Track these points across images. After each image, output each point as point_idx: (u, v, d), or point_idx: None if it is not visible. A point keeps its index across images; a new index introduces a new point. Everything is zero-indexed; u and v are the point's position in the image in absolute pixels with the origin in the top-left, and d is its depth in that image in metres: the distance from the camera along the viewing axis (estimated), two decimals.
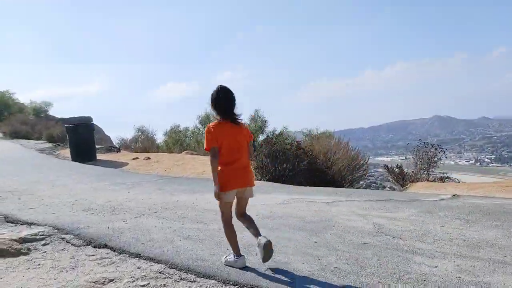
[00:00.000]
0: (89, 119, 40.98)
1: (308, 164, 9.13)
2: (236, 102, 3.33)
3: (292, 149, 9.11)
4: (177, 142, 17.94)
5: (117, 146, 15.32)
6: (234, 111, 3.32)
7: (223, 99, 3.27)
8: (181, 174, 9.97)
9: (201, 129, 18.62)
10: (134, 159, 12.62)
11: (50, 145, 17.56)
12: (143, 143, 17.79)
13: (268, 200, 6.16)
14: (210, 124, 3.34)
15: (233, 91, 3.33)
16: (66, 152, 14.56)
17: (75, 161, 12.70)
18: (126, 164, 11.99)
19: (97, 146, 14.32)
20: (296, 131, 22.50)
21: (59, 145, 16.92)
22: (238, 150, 3.33)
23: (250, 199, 3.48)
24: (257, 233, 3.26)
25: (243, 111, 3.44)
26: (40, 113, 49.04)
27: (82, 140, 12.81)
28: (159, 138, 32.02)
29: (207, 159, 12.16)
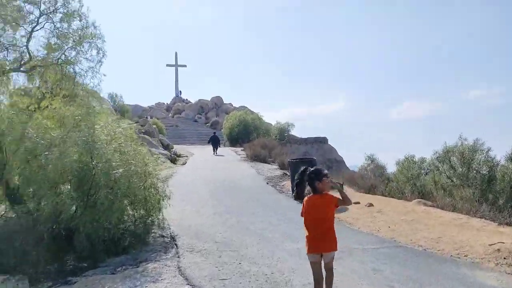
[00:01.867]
0: (324, 139, 41.24)
1: None
2: None
3: None
4: (409, 180, 15.51)
5: (341, 182, 13.97)
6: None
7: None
8: (409, 238, 7.78)
9: (440, 167, 15.64)
10: (354, 203, 10.98)
11: (280, 173, 17.69)
12: (369, 180, 15.96)
13: None
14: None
15: None
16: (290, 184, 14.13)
17: (295, 198, 11.95)
18: (344, 210, 10.46)
19: None
20: None
21: (286, 174, 16.80)
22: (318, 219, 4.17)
23: None
24: None
25: None
26: (283, 132, 53.19)
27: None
28: (390, 168, 29.65)
29: (445, 215, 9.52)
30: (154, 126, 32.88)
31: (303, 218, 4.36)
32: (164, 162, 23.10)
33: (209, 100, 74.09)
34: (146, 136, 27.60)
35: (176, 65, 78.51)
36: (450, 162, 17.53)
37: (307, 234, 4.21)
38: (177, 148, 37.36)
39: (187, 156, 30.09)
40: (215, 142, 31.30)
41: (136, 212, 7.81)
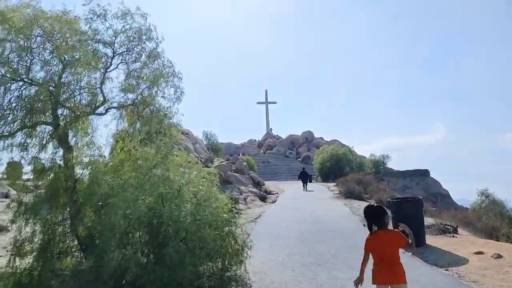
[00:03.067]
0: (425, 171, 37.58)
1: None
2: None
3: None
4: None
5: (453, 225, 11.72)
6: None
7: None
8: None
9: None
10: (476, 253, 8.85)
11: None
12: (489, 221, 13.33)
13: None
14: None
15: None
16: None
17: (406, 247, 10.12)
18: (465, 261, 8.42)
19: (426, 223, 11.28)
20: None
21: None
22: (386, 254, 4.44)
23: None
24: None
25: None
26: (379, 166, 50.02)
27: (406, 220, 10.12)
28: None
29: None
30: (245, 163, 32.61)
31: (364, 251, 4.68)
32: (253, 201, 22.32)
33: (300, 135, 73.39)
34: (236, 174, 27.27)
35: (267, 102, 79.66)
36: None
37: (375, 267, 4.51)
38: (268, 184, 36.67)
39: (277, 193, 29.10)
40: (304, 178, 30.77)
41: (214, 264, 6.81)
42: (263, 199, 23.17)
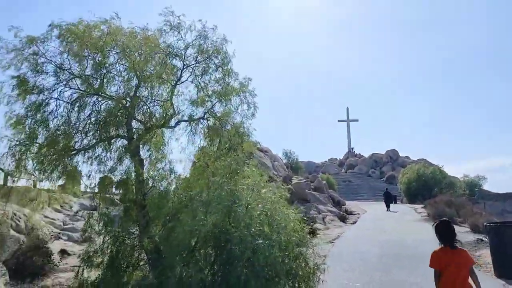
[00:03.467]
0: None
1: None
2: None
3: None
4: None
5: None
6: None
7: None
8: None
9: None
10: None
11: (473, 238, 14.04)
12: None
13: None
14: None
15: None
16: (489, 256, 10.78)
17: (498, 277, 8.77)
18: None
19: None
20: None
21: (483, 240, 13.13)
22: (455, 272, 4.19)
23: None
24: None
25: None
26: (473, 187, 45.81)
27: (509, 247, 8.77)
28: None
29: None
30: (324, 181, 31.67)
31: (432, 269, 4.44)
32: (332, 221, 21.39)
33: (384, 153, 70.25)
34: (314, 192, 26.50)
35: (348, 120, 77.65)
36: None
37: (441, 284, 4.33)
38: (350, 204, 35.26)
39: (358, 213, 27.74)
40: (388, 198, 30.12)
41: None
42: (342, 219, 22.11)
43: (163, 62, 6.95)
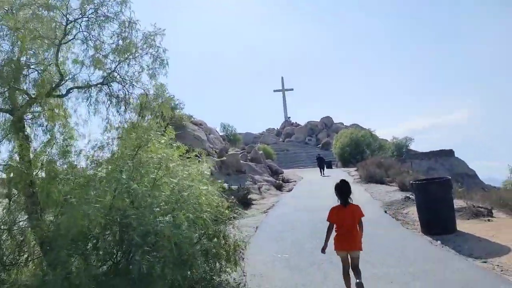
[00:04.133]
0: (450, 152, 35.64)
1: None
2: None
3: None
4: None
5: (488, 207, 10.18)
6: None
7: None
8: None
9: None
10: None
11: (400, 196, 14.24)
12: None
13: None
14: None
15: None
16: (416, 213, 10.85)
17: (425, 233, 8.73)
18: (506, 250, 6.98)
19: (457, 206, 9.79)
20: None
21: (410, 198, 13.33)
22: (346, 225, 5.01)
23: None
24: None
25: None
26: (401, 148, 47.97)
27: (434, 203, 8.70)
28: None
29: None
30: (261, 152, 31.36)
31: (328, 223, 5.18)
32: (268, 190, 21.08)
33: (319, 121, 71.59)
34: (251, 163, 26.07)
35: (283, 90, 77.94)
36: None
37: (336, 235, 5.11)
38: (287, 172, 35.41)
39: (295, 181, 27.80)
40: (321, 163, 31.10)
41: (198, 270, 5.56)
42: (279, 187, 21.91)
43: (39, 15, 5.64)
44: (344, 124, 70.31)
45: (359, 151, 38.41)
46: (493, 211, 10.15)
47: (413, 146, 50.41)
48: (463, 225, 8.97)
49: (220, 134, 45.29)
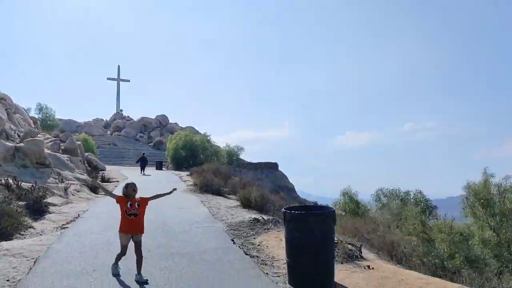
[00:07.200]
0: (275, 165, 35.36)
1: None
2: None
3: None
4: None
5: (357, 244, 7.95)
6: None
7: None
8: None
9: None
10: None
11: (247, 216, 11.34)
12: (373, 232, 10.12)
13: None
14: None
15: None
16: (279, 246, 7.96)
17: (295, 287, 5.77)
18: None
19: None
20: None
21: (260, 221, 10.52)
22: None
23: None
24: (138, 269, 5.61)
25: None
26: (232, 156, 47.00)
27: (310, 245, 5.80)
28: (365, 198, 24.00)
29: None
30: (79, 142, 25.33)
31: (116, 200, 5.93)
32: (78, 192, 15.92)
33: (153, 118, 66.56)
34: (62, 154, 20.18)
35: (119, 79, 70.32)
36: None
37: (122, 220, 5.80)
38: (111, 169, 29.98)
39: (118, 181, 22.94)
40: (143, 163, 30.51)
41: None
42: (94, 189, 16.93)
43: None
44: (180, 125, 67.10)
45: (194, 155, 35.44)
46: (362, 249, 7.94)
47: (243, 156, 50.29)
48: (339, 275, 6.33)
49: (33, 115, 36.76)
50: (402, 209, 17.00)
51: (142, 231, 5.84)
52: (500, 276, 8.72)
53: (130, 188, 5.86)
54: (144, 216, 5.93)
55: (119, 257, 5.94)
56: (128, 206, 5.71)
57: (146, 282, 5.48)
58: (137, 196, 5.93)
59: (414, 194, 19.83)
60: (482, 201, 13.47)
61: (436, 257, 8.21)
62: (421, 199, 18.94)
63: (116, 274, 5.84)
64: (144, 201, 5.91)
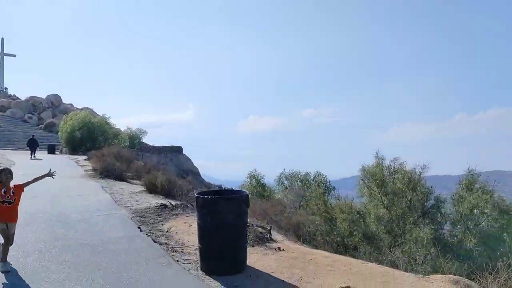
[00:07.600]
0: (179, 148, 34.86)
1: None
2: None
3: None
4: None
5: (267, 227, 8.12)
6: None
7: None
8: None
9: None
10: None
11: (153, 202, 10.89)
12: (281, 213, 10.50)
13: None
14: None
15: None
16: (188, 232, 7.76)
17: (208, 272, 5.70)
18: None
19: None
20: None
21: (167, 206, 10.17)
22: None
23: None
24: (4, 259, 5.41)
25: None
26: (135, 139, 44.93)
27: (224, 229, 5.75)
28: (269, 181, 24.83)
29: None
30: None
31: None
32: None
33: (44, 98, 60.36)
34: None
35: (2, 54, 62.27)
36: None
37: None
38: None
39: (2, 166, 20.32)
40: (33, 145, 28.49)
41: None
42: None
43: None
44: (75, 106, 61.94)
45: (92, 137, 33.04)
46: (272, 231, 8.13)
47: (146, 140, 48.38)
48: (251, 258, 6.39)
49: None
50: (306, 190, 17.99)
51: (15, 220, 5.68)
52: (391, 249, 9.70)
53: (3, 175, 5.58)
54: (19, 204, 5.74)
55: (5, 250, 5.54)
56: (2, 193, 5.48)
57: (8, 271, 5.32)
58: (12, 183, 5.69)
59: (314, 175, 21.07)
60: (377, 181, 14.90)
61: (338, 235, 8.79)
62: (322, 180, 20.20)
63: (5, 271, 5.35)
64: (19, 188, 5.71)
